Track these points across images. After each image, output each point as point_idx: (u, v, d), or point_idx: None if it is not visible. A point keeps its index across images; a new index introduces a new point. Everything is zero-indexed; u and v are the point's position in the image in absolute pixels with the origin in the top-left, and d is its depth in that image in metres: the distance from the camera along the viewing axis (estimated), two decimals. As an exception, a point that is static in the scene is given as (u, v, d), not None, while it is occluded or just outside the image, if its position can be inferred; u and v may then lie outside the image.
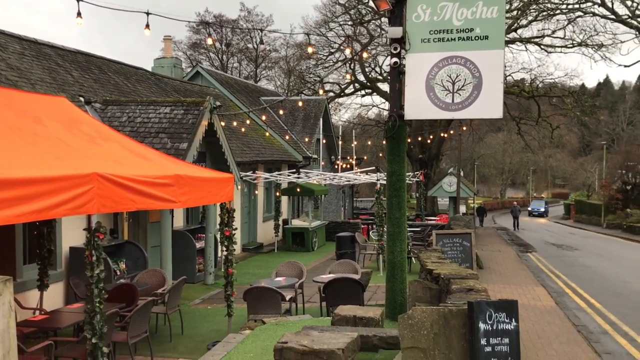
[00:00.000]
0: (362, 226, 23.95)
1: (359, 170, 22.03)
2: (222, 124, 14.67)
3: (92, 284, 6.31)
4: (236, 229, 9.71)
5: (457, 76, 8.44)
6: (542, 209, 62.99)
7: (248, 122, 23.00)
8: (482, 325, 5.14)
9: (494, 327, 5.21)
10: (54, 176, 5.52)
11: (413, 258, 15.76)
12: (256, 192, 21.61)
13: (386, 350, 6.99)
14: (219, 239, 17.65)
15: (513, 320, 5.33)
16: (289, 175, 20.26)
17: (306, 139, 25.84)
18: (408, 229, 21.65)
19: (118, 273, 12.45)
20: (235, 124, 19.88)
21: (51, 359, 7.21)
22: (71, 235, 11.42)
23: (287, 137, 25.33)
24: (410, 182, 25.41)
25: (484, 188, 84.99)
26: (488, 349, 5.14)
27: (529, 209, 63.76)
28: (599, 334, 9.78)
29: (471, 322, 5.15)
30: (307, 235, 21.43)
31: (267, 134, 22.33)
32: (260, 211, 22.49)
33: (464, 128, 35.35)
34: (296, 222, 22.51)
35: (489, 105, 8.40)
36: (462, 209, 41.80)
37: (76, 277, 10.96)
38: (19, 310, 8.99)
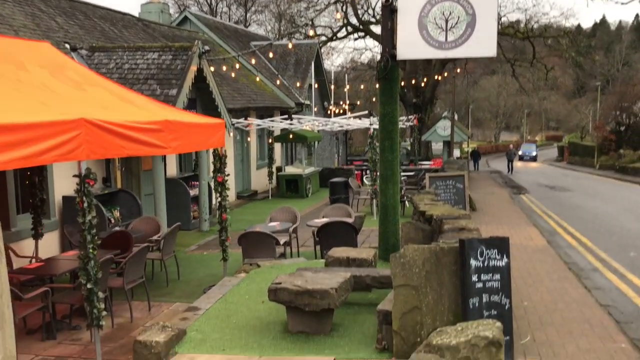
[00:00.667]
0: (356, 172, 23.99)
1: (352, 115, 21.86)
2: (212, 69, 14.44)
3: (84, 231, 6.30)
4: (229, 175, 9.67)
5: (450, 13, 8.25)
6: (534, 153, 61.49)
7: (238, 67, 22.64)
8: (473, 262, 5.18)
9: (485, 264, 5.26)
10: (41, 122, 5.43)
11: (407, 202, 15.83)
12: (249, 139, 21.50)
13: (379, 289, 7.08)
14: (212, 187, 17.77)
15: (504, 257, 5.38)
16: (281, 122, 20.10)
17: (298, 85, 25.52)
18: (402, 173, 21.75)
19: (112, 221, 12.48)
20: (225, 69, 19.55)
21: (48, 305, 7.29)
22: (63, 184, 11.37)
23: (278, 83, 25.03)
24: (404, 126, 25.29)
25: (478, 132, 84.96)
26: (479, 285, 5.19)
27: (520, 153, 61.28)
28: (589, 271, 9.95)
29: (462, 258, 5.19)
30: (301, 181, 21.45)
31: (258, 79, 22.03)
32: (253, 159, 22.43)
33: (458, 70, 35.00)
34: (289, 169, 22.49)
35: (483, 43, 8.25)
36: (457, 153, 41.75)
37: (70, 226, 10.98)
38: (14, 259, 9.04)
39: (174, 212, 14.63)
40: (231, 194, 20.65)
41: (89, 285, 6.31)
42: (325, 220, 11.06)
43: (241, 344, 6.13)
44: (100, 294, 6.54)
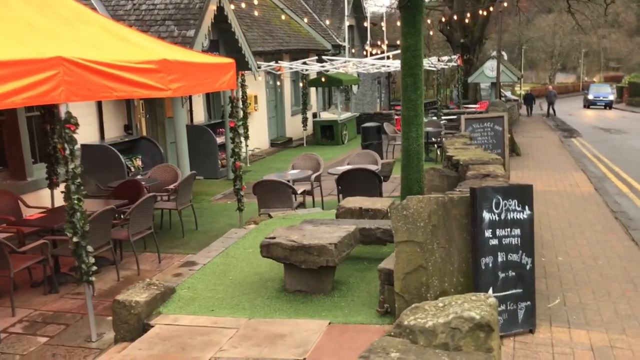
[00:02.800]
0: (396, 117, 22.93)
1: (389, 53, 20.64)
2: (232, 7, 13.59)
3: (67, 180, 5.80)
4: (242, 121, 8.99)
5: None
6: (610, 97, 44.63)
7: (270, 6, 21.65)
8: (486, 215, 4.38)
9: (502, 217, 4.45)
10: (8, 60, 4.88)
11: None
12: (278, 83, 20.69)
13: (393, 243, 6.36)
14: (242, 133, 17.22)
15: (527, 208, 4.55)
16: (312, 65, 19.16)
17: (328, 22, 24.26)
18: (443, 117, 20.60)
19: (132, 170, 12.13)
20: (256, 13, 18.66)
21: (47, 259, 6.93)
22: (81, 132, 10.99)
23: (313, 23, 23.90)
24: (446, 67, 23.89)
25: (532, 74, 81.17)
26: (494, 241, 4.40)
27: (590, 97, 45.14)
28: (640, 221, 8.93)
29: (474, 211, 4.39)
30: (337, 128, 20.64)
31: (284, 17, 20.92)
32: (287, 105, 21.68)
33: (505, 4, 32.73)
34: (325, 115, 21.67)
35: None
36: (508, 95, 39.55)
37: (84, 175, 10.63)
38: (24, 209, 8.74)
39: (201, 160, 14.18)
40: (264, 141, 20.07)
41: (75, 239, 5.83)
42: (347, 167, 10.31)
43: (233, 303, 5.57)
44: (90, 248, 6.09)
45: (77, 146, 5.95)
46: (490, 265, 4.38)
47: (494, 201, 4.39)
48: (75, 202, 5.81)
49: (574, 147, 18.56)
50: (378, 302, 5.07)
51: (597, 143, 19.72)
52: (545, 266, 6.36)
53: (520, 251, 4.50)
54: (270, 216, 8.71)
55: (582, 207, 9.57)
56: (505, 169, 12.31)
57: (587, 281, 5.86)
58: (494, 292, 4.38)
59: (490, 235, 4.37)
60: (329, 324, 4.97)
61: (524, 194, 4.53)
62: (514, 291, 4.47)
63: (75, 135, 5.87)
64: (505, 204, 4.43)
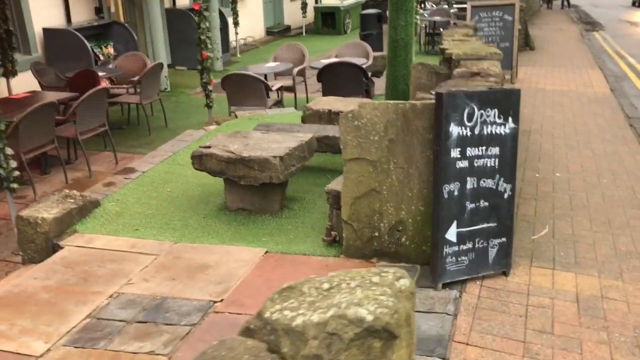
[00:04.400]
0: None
1: None
2: None
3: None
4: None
5: None
6: None
7: None
8: (455, 129, 3.36)
9: (477, 132, 3.44)
10: None
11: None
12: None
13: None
14: (230, 20, 15.79)
15: (510, 120, 3.52)
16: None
17: None
18: (454, 5, 18.83)
19: (101, 58, 11.05)
20: None
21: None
22: (43, 14, 9.84)
23: None
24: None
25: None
26: (462, 163, 3.42)
27: None
28: (658, 129, 7.82)
29: (438, 124, 3.38)
30: (339, 15, 19.02)
31: None
32: (286, -12, 19.95)
33: None
34: (326, 1, 19.95)
35: None
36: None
37: (41, 64, 9.58)
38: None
39: (184, 49, 13.03)
40: (259, 29, 18.62)
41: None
42: (331, 60, 9.13)
43: (163, 222, 4.74)
44: (9, 150, 5.25)
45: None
46: (456, 193, 3.43)
47: (466, 111, 3.36)
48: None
49: (595, 42, 16.94)
50: (325, 230, 4.19)
51: (620, 38, 18.02)
52: (538, 184, 5.40)
53: (497, 175, 3.53)
54: (236, 116, 7.72)
55: (593, 111, 8.44)
56: (513, 65, 11.08)
57: (586, 205, 4.91)
58: (458, 226, 3.47)
59: (459, 156, 3.39)
60: (265, 252, 4.13)
61: (508, 102, 3.49)
62: (485, 225, 3.55)
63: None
64: (482, 115, 3.41)
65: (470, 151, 3.43)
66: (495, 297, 3.44)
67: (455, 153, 3.38)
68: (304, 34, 19.37)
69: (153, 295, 3.67)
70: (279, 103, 8.96)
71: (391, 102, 3.65)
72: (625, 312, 3.31)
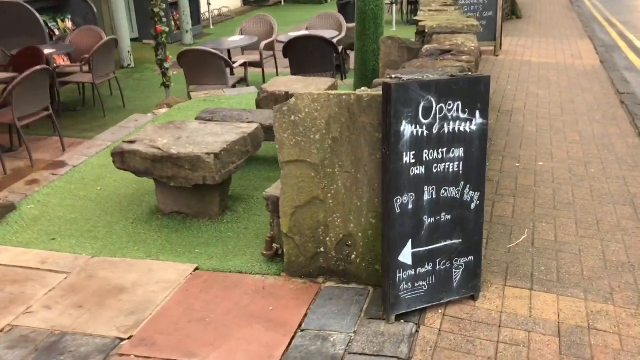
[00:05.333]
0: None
1: None
2: None
3: None
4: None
5: None
6: None
7: None
8: (407, 129, 2.72)
9: (435, 130, 2.79)
10: None
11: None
12: None
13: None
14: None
15: (477, 115, 2.87)
16: None
17: None
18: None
19: (57, 33, 10.28)
20: None
21: None
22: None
23: None
24: None
25: None
26: (418, 170, 2.79)
27: None
28: (652, 106, 7.19)
29: (386, 122, 2.73)
30: (318, -18, 18.16)
31: None
32: (263, -46, 18.97)
33: None
34: (305, -33, 19.00)
35: None
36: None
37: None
38: None
39: (149, 22, 12.23)
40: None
41: None
42: (297, 34, 8.39)
43: (85, 229, 4.09)
44: None
45: None
46: (411, 206, 2.80)
47: (421, 105, 2.72)
48: None
49: (585, 9, 16.19)
50: (265, 242, 3.56)
51: (611, 3, 17.26)
52: (517, 176, 4.78)
53: (462, 182, 2.90)
54: (189, 97, 7.02)
55: (582, 86, 7.79)
56: (497, 35, 10.36)
57: (571, 202, 4.31)
58: (414, 246, 2.85)
59: (413, 161, 2.75)
60: (195, 269, 3.51)
61: (474, 92, 2.84)
62: (447, 242, 2.94)
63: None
64: (442, 109, 2.77)
65: (428, 154, 2.79)
66: (460, 330, 2.84)
67: (408, 158, 2.74)
68: (282, 3, 18.54)
69: (52, 329, 3.04)
70: (242, 81, 8.26)
71: (333, 92, 2.98)
72: (616, 350, 2.72)
